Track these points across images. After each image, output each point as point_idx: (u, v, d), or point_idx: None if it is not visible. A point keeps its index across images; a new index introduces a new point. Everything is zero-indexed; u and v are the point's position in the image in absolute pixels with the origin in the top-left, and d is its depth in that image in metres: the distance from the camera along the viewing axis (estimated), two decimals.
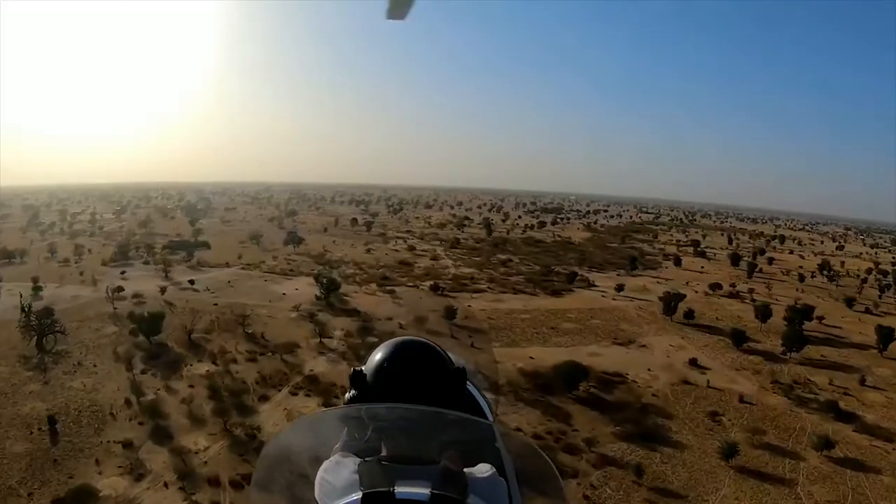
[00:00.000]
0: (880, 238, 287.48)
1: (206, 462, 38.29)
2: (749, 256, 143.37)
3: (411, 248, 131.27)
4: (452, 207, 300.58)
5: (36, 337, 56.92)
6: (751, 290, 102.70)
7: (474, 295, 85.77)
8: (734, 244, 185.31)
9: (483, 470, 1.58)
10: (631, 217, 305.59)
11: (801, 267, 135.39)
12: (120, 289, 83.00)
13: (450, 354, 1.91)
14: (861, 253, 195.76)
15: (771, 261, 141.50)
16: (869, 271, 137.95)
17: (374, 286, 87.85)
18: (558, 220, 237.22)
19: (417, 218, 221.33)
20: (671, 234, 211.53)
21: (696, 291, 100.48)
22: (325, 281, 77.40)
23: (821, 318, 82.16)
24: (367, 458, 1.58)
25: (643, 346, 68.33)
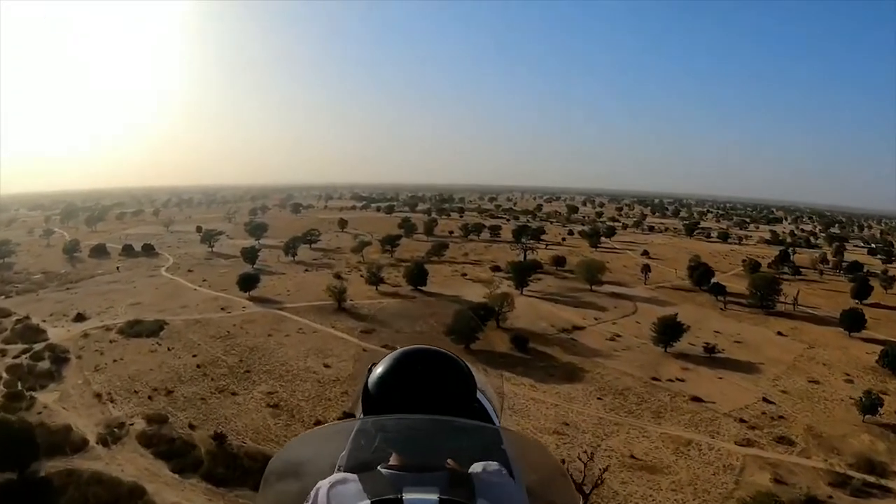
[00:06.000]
0: None
1: None
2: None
3: None
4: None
5: None
6: None
7: None
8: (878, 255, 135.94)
9: (490, 473, 1.56)
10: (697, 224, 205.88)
11: None
12: None
13: (462, 360, 1.83)
14: None
15: None
16: None
17: None
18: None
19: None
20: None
21: None
22: None
23: None
24: (374, 467, 1.56)
25: None
